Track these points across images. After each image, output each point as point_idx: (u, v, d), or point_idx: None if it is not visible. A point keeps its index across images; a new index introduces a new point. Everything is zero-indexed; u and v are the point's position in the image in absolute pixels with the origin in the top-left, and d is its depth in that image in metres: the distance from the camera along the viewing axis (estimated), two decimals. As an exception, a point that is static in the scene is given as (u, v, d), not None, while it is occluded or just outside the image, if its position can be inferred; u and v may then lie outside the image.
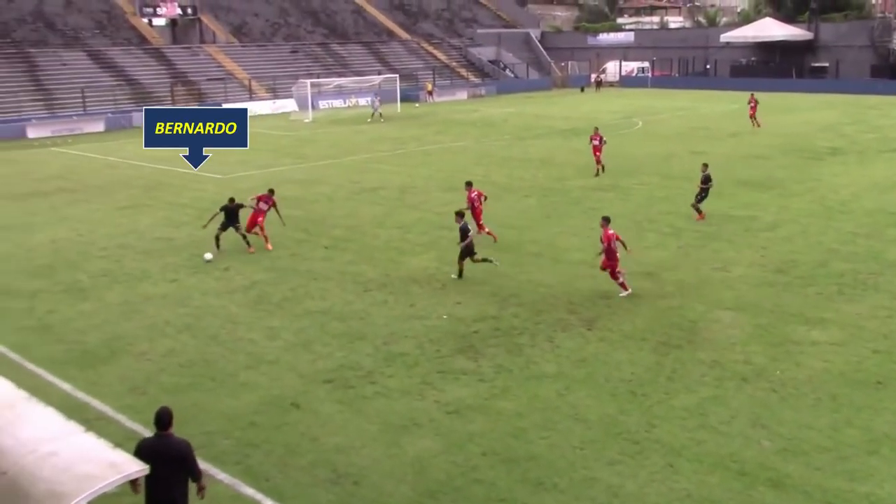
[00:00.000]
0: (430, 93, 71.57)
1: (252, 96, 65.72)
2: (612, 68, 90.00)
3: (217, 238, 21.91)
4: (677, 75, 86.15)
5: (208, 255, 21.40)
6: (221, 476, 10.93)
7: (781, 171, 33.20)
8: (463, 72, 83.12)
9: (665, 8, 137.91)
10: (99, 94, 58.27)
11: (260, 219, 22.36)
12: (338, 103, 67.22)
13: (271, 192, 23.10)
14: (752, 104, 47.56)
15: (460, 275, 19.37)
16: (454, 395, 13.24)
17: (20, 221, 26.56)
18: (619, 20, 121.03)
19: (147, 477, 8.42)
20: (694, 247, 21.97)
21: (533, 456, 11.34)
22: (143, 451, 8.36)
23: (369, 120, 55.89)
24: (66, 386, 13.91)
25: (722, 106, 50.35)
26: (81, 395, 13.54)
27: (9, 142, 48.68)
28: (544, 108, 64.65)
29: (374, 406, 12.96)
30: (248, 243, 22.02)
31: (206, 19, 76.03)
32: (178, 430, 11.97)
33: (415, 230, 24.44)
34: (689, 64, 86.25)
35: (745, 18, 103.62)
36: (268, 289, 19.07)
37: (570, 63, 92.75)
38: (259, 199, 22.72)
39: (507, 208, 27.10)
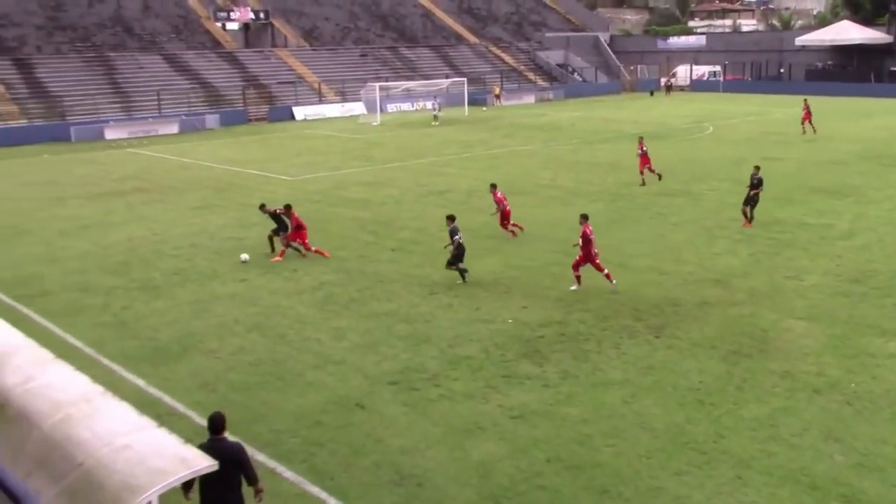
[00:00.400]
0: (498, 96, 71.51)
1: (321, 99, 66.56)
2: (683, 72, 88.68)
3: (270, 239, 22.20)
4: (750, 79, 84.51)
5: (244, 256, 21.68)
6: (287, 474, 11.08)
7: (858, 178, 32.30)
8: (531, 75, 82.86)
9: (738, 11, 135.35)
10: (174, 96, 59.68)
11: (298, 237, 21.97)
12: (406, 106, 67.65)
13: (288, 207, 22.13)
14: (806, 109, 46.46)
15: (463, 278, 19.42)
16: (519, 400, 13.18)
17: (98, 220, 27.35)
18: (691, 23, 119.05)
19: (202, 481, 8.56)
20: (766, 254, 21.50)
21: (598, 463, 11.22)
22: None
23: (434, 123, 56.18)
24: (139, 381, 14.26)
25: (796, 111, 49.14)
26: (154, 391, 13.86)
27: (89, 143, 50.19)
28: (613, 112, 64.06)
29: (438, 409, 12.98)
30: (272, 249, 22.08)
31: (278, 23, 77.28)
32: (247, 428, 12.22)
33: (481, 233, 24.40)
34: (762, 68, 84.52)
35: (822, 21, 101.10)
36: (335, 290, 19.27)
37: (639, 67, 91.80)
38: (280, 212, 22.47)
39: (575, 213, 26.80)
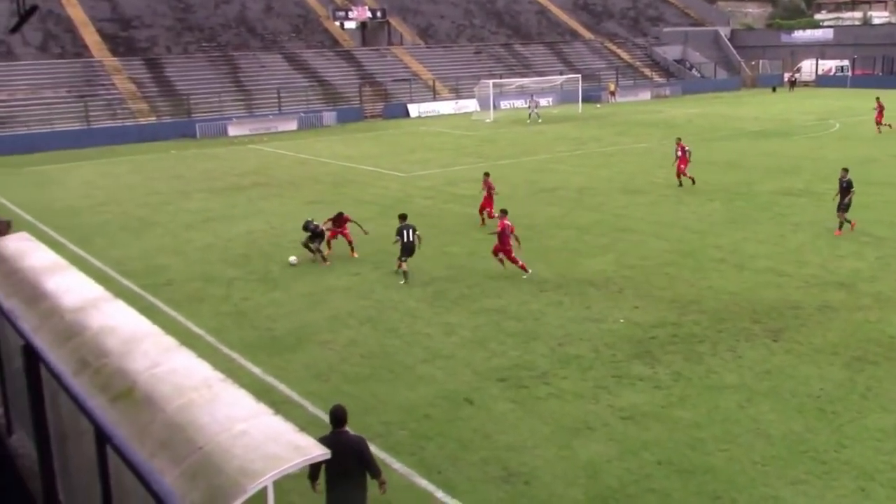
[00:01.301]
0: (613, 93, 70.51)
1: (436, 96, 67.11)
2: (808, 67, 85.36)
3: (306, 246, 21.75)
4: (881, 74, 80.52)
5: (293, 258, 21.63)
6: (396, 465, 11.25)
7: None
8: (647, 71, 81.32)
9: (868, 2, 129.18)
10: (293, 94, 61.31)
11: (344, 230, 22.20)
12: (519, 103, 67.49)
13: (340, 214, 22.41)
14: (878, 108, 44.23)
15: (404, 274, 19.83)
16: (629, 401, 12.99)
17: (221, 213, 28.39)
18: (817, 16, 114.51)
19: (326, 474, 8.77)
20: None
21: (710, 468, 10.95)
22: None
23: (534, 121, 55.93)
24: (256, 370, 14.74)
25: (932, 107, 46.63)
26: (270, 379, 14.31)
27: (213, 139, 52.15)
28: (732, 108, 62.22)
29: (547, 407, 12.92)
30: (323, 258, 21.71)
31: (395, 22, 78.32)
32: (358, 420, 12.46)
33: (592, 231, 24.16)
34: (894, 62, 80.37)
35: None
36: (446, 285, 19.42)
37: (761, 62, 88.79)
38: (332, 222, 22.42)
39: (690, 212, 26.30)
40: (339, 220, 22.19)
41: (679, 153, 30.39)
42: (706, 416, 12.41)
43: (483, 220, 25.59)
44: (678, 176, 30.40)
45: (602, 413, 12.63)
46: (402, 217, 20.34)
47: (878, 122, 44.64)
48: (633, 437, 11.83)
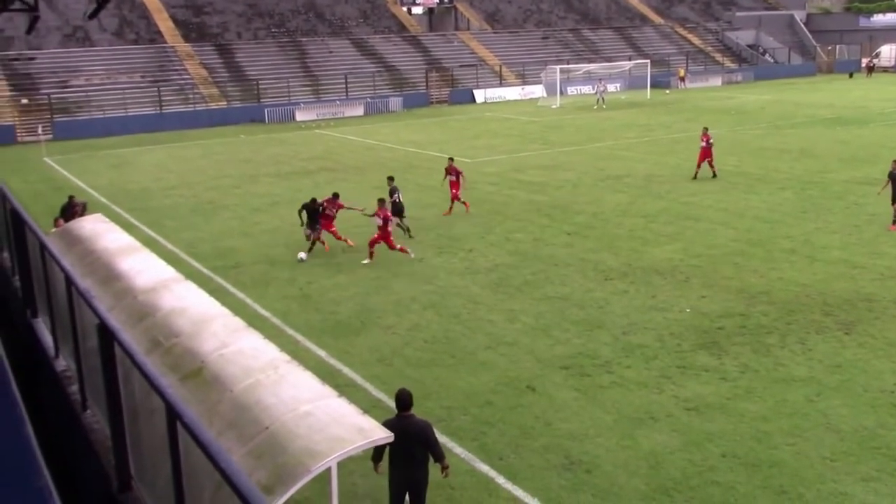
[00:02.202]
0: (682, 79, 69.30)
1: (502, 82, 66.84)
2: (888, 52, 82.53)
3: (308, 237, 21.38)
4: (965, 59, 77.54)
5: (302, 255, 20.98)
6: (458, 450, 11.30)
7: None
8: (718, 57, 79.69)
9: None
10: (360, 79, 61.72)
11: (331, 227, 21.62)
12: (586, 89, 66.80)
13: (335, 195, 22.14)
14: None
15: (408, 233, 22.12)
16: (694, 392, 12.82)
17: (287, 197, 28.77)
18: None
19: (390, 456, 8.87)
20: (976, 250, 19.78)
21: (777, 462, 10.75)
22: None
23: (595, 107, 55.36)
24: (320, 352, 14.95)
25: None
26: (334, 362, 14.50)
27: (281, 124, 52.86)
28: (806, 95, 60.60)
29: (609, 396, 12.84)
30: (322, 243, 21.50)
31: (462, 7, 78.15)
32: (420, 404, 12.57)
33: (659, 220, 23.83)
34: (980, 46, 77.30)
35: None
36: (509, 272, 19.39)
37: (837, 47, 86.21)
38: (325, 204, 21.93)
39: (760, 201, 25.75)
40: (332, 204, 21.76)
41: (704, 143, 29.10)
42: (773, 410, 12.18)
43: (451, 208, 25.40)
44: (700, 166, 29.25)
45: (666, 403, 12.49)
46: (391, 179, 23.23)
47: None
48: (696, 429, 11.68)
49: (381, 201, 20.44)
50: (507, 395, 13.02)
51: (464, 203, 25.30)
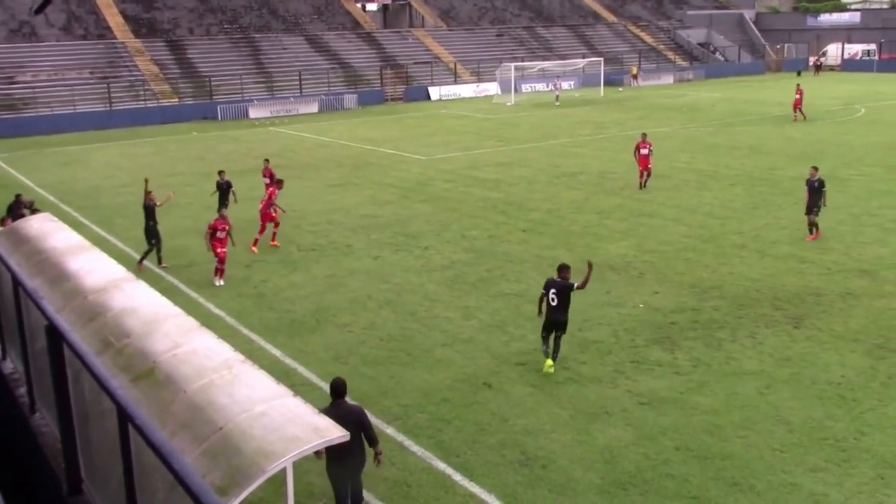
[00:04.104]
0: (635, 76, 70.00)
1: (457, 79, 66.89)
2: (834, 51, 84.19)
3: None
4: (908, 58, 79.40)
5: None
6: (415, 448, 11.31)
7: None
8: (670, 55, 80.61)
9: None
10: (314, 76, 61.29)
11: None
12: (541, 87, 67.14)
13: (266, 161, 25.11)
14: (799, 94, 43.76)
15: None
16: (648, 387, 12.98)
17: (241, 196, 28.25)
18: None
19: (328, 447, 8.87)
20: (919, 245, 20.29)
21: (729, 455, 10.93)
22: None
23: (556, 103, 55.84)
24: (275, 352, 14.84)
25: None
26: (289, 361, 14.40)
27: (234, 121, 52.31)
28: (756, 93, 61.61)
29: (565, 391, 12.93)
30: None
31: (416, 4, 78.03)
32: (376, 402, 12.56)
33: (613, 216, 24.06)
34: (923, 46, 79.25)
35: None
36: (465, 269, 19.43)
37: (786, 46, 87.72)
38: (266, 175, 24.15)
39: (712, 197, 26.13)
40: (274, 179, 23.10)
41: (645, 150, 27.41)
42: (725, 403, 12.38)
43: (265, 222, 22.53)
44: (641, 175, 27.67)
45: (620, 398, 12.62)
46: (221, 173, 24.36)
47: (796, 109, 43.95)
48: (650, 423, 11.83)
49: (220, 214, 19.50)
50: (463, 392, 13.05)
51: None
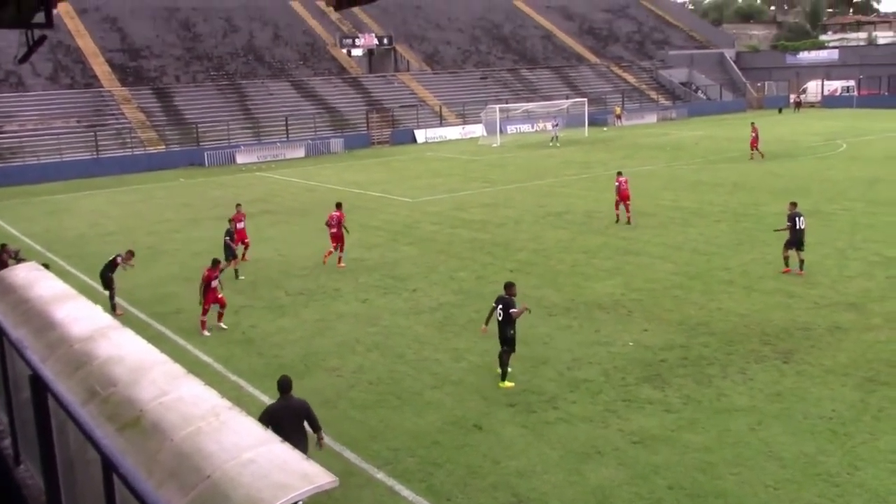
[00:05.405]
0: (619, 116, 70.72)
1: (442, 122, 67.41)
2: (814, 88, 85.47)
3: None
4: (887, 94, 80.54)
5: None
6: (406, 493, 11.19)
7: None
8: (653, 94, 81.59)
9: (873, 23, 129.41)
10: (301, 121, 61.65)
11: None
12: (525, 128, 67.72)
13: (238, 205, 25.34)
14: (754, 133, 44.51)
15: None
16: (639, 425, 12.92)
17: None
18: (822, 37, 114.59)
19: (279, 432, 8.92)
20: (905, 278, 20.42)
21: (722, 493, 10.86)
22: (270, 411, 10.45)
23: (555, 144, 56.11)
24: (264, 397, 14.69)
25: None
26: (278, 407, 14.24)
27: (221, 167, 52.43)
28: (738, 130, 62.14)
29: (556, 432, 12.86)
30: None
31: (401, 49, 78.86)
32: (366, 446, 12.45)
33: (600, 255, 24.13)
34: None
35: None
36: (454, 311, 19.41)
37: (766, 83, 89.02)
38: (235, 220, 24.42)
39: (697, 234, 26.28)
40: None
41: (624, 185, 28.20)
42: (717, 440, 12.33)
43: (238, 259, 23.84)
44: (617, 209, 28.50)
45: (612, 437, 12.56)
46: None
47: (753, 148, 44.43)
48: (643, 462, 11.75)
49: (214, 261, 18.80)
50: (454, 434, 12.96)
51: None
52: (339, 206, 25.05)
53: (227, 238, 23.37)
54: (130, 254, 20.72)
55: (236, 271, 23.29)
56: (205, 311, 18.60)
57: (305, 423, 10.67)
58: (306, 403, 10.71)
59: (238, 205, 25.80)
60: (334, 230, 24.08)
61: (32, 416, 5.55)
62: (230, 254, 22.87)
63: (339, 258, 24.19)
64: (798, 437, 12.31)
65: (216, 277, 18.67)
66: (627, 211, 28.34)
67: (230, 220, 24.47)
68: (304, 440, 10.44)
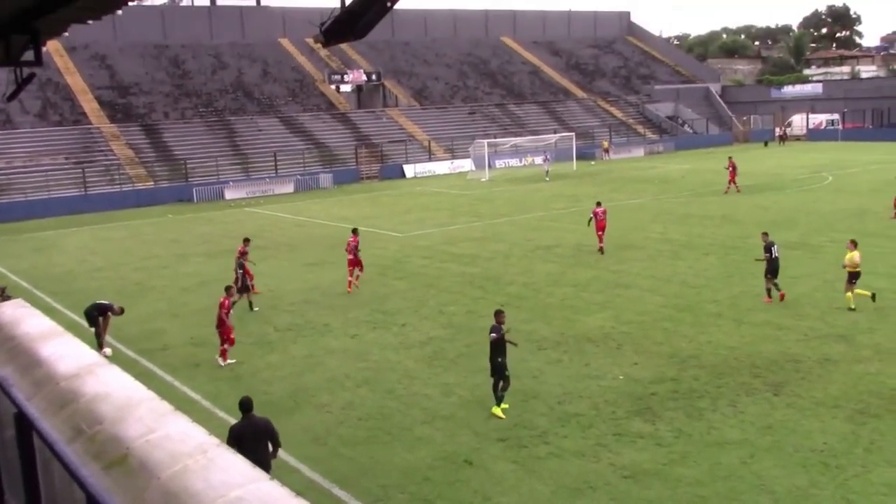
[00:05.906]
0: (607, 150, 71.21)
1: (431, 157, 67.70)
2: (799, 121, 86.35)
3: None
4: (871, 127, 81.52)
5: (107, 351, 19.42)
6: (396, 530, 11.06)
7: None
8: (640, 129, 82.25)
9: (857, 57, 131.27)
10: (289, 157, 61.83)
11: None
12: (514, 162, 68.08)
13: (246, 241, 25.43)
14: (731, 168, 45.22)
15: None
16: (630, 459, 12.85)
17: (217, 277, 28.30)
18: (806, 71, 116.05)
19: (244, 451, 8.89)
20: (894, 308, 20.48)
21: (715, 527, 10.78)
22: (235, 430, 10.89)
23: (546, 179, 56.34)
24: (253, 434, 14.55)
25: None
26: (267, 444, 14.11)
27: (210, 203, 52.41)
28: (724, 163, 62.66)
29: (547, 467, 12.77)
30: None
31: (390, 84, 79.40)
32: (355, 483, 12.33)
33: (590, 289, 24.15)
34: (883, 115, 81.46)
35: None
36: (444, 345, 19.34)
37: (752, 117, 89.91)
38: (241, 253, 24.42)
39: (686, 267, 26.35)
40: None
41: (601, 216, 29.16)
42: (708, 473, 12.27)
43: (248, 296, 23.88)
44: (601, 239, 29.26)
45: (603, 472, 12.48)
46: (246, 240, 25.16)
47: (731, 182, 44.96)
48: (634, 497, 11.67)
49: (227, 288, 19.35)
50: (444, 470, 12.85)
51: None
52: (354, 231, 25.63)
53: (241, 271, 23.69)
54: (122, 310, 20.56)
55: (251, 303, 23.52)
56: (224, 341, 18.68)
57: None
58: (269, 421, 11.27)
59: (246, 239, 25.91)
60: (351, 257, 24.85)
61: (17, 454, 5.48)
62: (244, 285, 23.38)
63: (350, 282, 25.04)
64: (790, 470, 12.26)
65: (231, 307, 18.84)
66: (600, 241, 29.16)
67: (241, 253, 24.46)
68: (267, 456, 11.02)
